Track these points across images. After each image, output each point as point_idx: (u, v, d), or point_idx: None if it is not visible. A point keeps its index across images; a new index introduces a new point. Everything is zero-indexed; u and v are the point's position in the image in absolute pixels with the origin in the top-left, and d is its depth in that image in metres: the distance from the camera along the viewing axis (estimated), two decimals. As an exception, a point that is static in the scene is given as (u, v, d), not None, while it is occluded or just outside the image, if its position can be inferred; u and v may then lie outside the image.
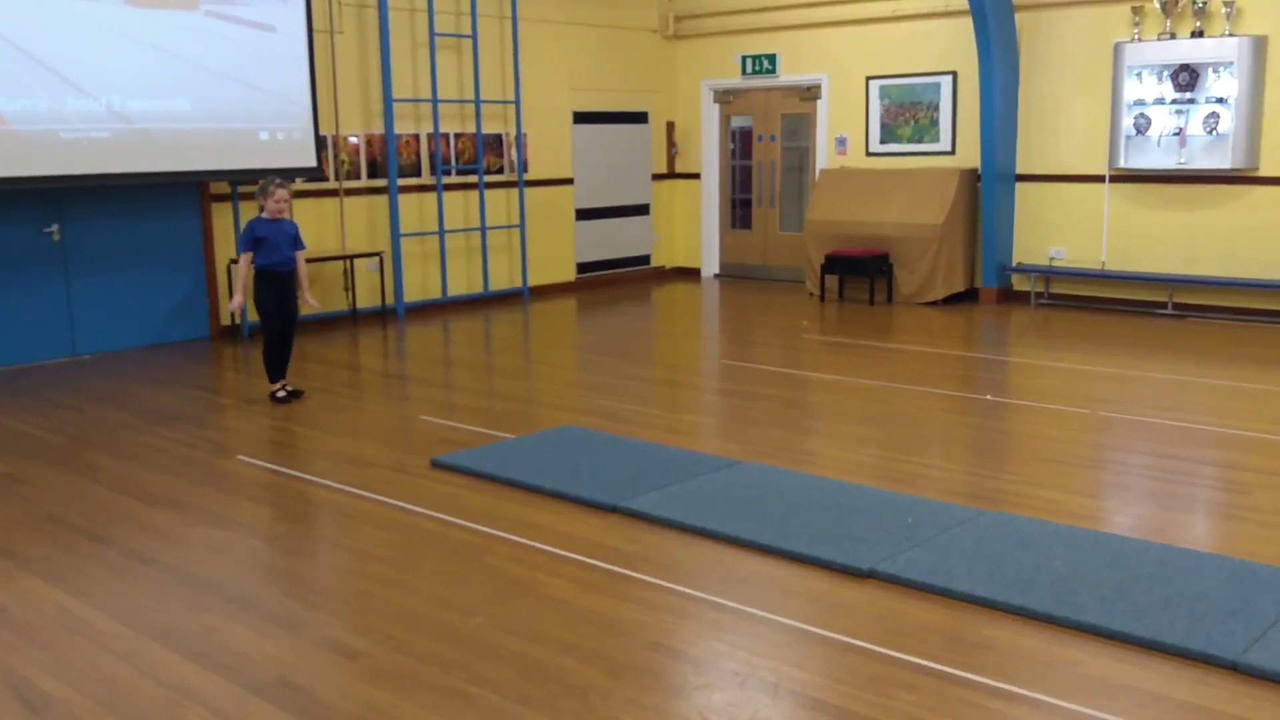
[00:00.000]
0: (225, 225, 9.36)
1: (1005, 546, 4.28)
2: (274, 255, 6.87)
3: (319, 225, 9.84)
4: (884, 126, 11.41)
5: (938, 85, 10.99)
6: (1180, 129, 9.53)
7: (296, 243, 7.03)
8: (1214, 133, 9.37)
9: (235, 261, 9.29)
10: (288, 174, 8.67)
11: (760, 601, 3.92)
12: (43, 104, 7.96)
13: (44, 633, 3.80)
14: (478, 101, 10.81)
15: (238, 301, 7.05)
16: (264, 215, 6.89)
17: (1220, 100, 9.31)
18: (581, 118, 11.99)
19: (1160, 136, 9.65)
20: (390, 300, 10.40)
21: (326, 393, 7.33)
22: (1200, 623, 3.59)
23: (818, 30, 11.69)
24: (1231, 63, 9.17)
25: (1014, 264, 10.69)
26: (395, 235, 10.33)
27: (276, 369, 7.07)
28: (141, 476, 5.56)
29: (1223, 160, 9.32)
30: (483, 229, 11.05)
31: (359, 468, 5.63)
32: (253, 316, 9.38)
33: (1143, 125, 9.71)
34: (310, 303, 7.29)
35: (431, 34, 10.38)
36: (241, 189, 9.29)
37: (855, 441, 6.06)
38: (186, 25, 8.63)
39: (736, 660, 3.49)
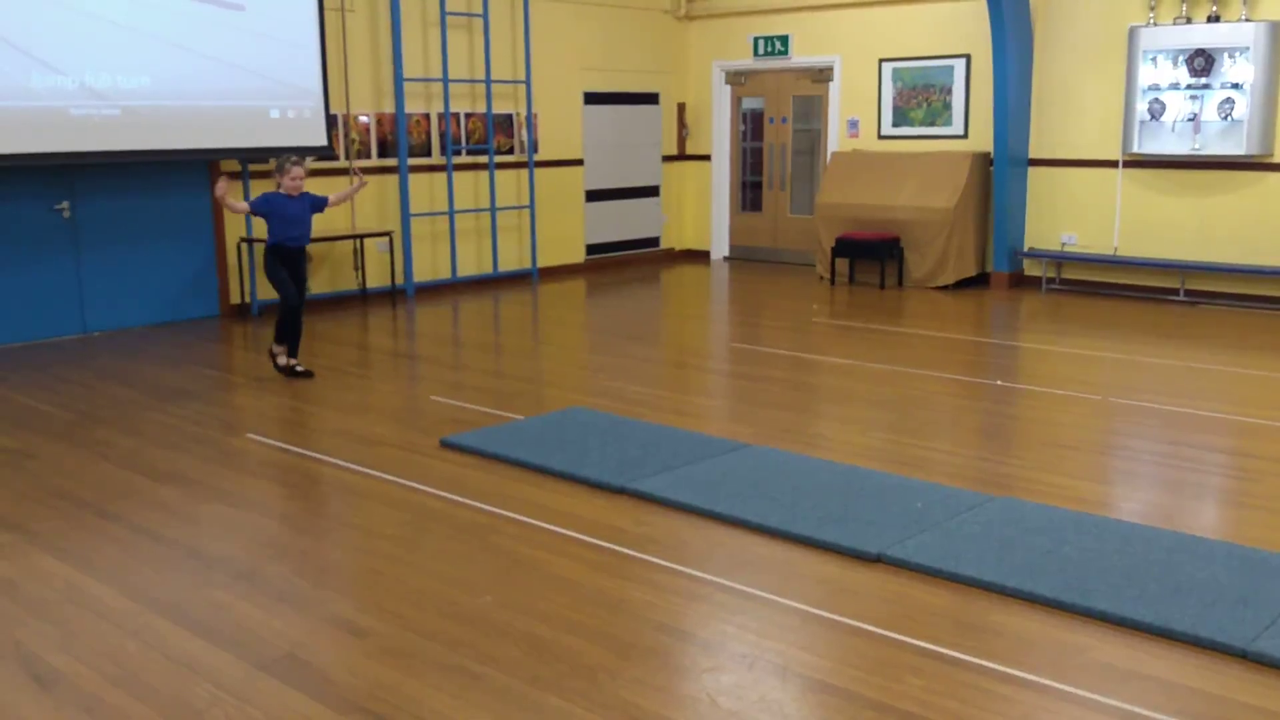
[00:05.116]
0: (235, 203, 9.36)
1: (1014, 532, 4.26)
2: (288, 231, 6.90)
3: (329, 204, 9.83)
4: (896, 109, 11.35)
5: (951, 68, 10.93)
6: (1195, 114, 9.47)
7: (318, 205, 7.06)
8: (1229, 118, 9.30)
9: (246, 238, 9.32)
10: (298, 152, 8.65)
11: (768, 584, 3.91)
12: (54, 89, 7.96)
13: (52, 607, 3.81)
14: (488, 81, 10.78)
15: (224, 189, 6.79)
16: (280, 192, 6.89)
17: (1236, 86, 9.24)
18: (592, 98, 11.95)
19: (1175, 122, 9.58)
20: (400, 280, 10.40)
21: (336, 372, 7.33)
22: (1210, 610, 3.57)
23: (830, 11, 11.62)
24: (1248, 48, 9.09)
25: (1026, 249, 10.65)
26: (405, 215, 10.32)
27: (287, 333, 7.06)
28: (150, 453, 5.56)
29: (1237, 146, 9.26)
30: (492, 209, 11.03)
31: (368, 446, 5.63)
32: (256, 286, 9.40)
33: (1157, 110, 9.65)
34: (356, 180, 7.44)
35: (443, 13, 10.34)
36: (252, 167, 9.28)
37: (864, 425, 6.04)
38: (195, 4, 8.61)
39: (745, 643, 3.49)
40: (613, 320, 9.79)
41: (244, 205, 7.25)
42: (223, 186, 6.78)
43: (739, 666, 3.34)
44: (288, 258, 6.96)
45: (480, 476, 5.14)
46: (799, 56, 11.96)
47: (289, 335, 7.08)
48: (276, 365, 7.07)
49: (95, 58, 8.15)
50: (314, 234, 7.47)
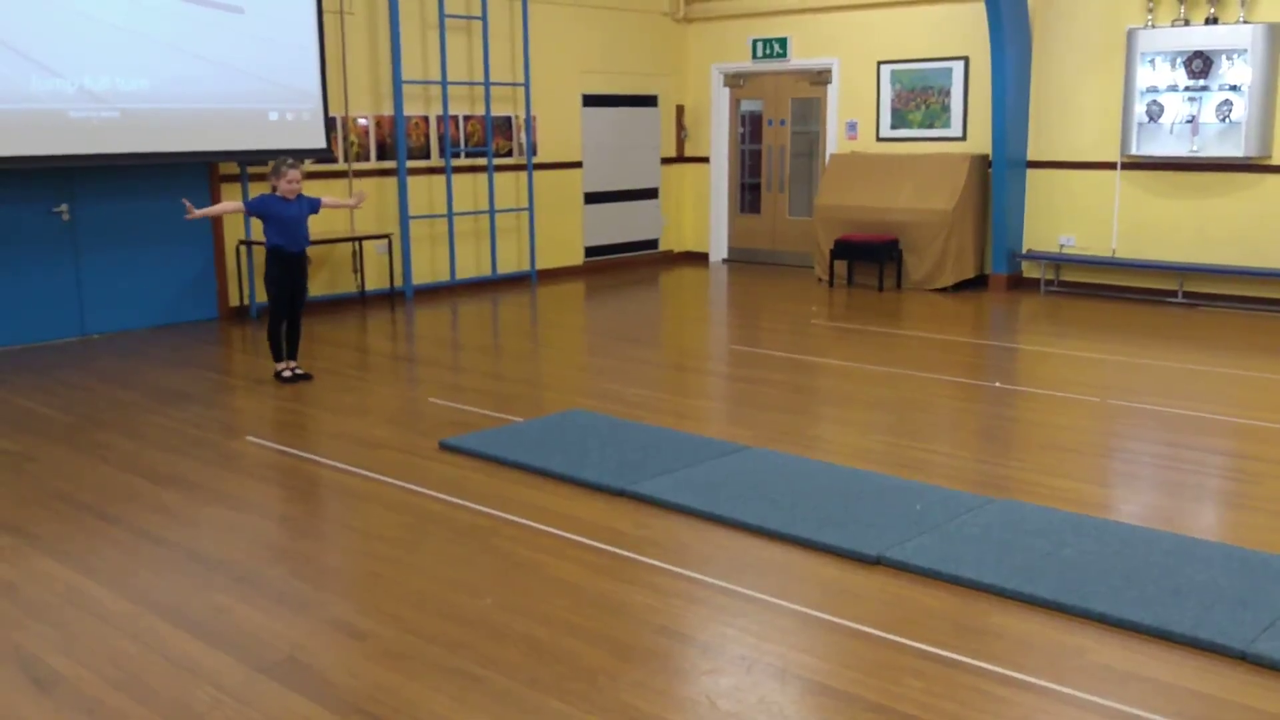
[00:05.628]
0: (234, 205, 9.36)
1: (1013, 534, 4.27)
2: (285, 236, 6.87)
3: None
4: (895, 111, 11.36)
5: (949, 70, 10.94)
6: (1193, 116, 9.48)
7: (314, 207, 7.03)
8: (1227, 120, 9.31)
9: (245, 241, 9.32)
10: (297, 155, 8.65)
11: (768, 587, 3.92)
12: (50, 90, 7.96)
13: (53, 610, 3.82)
14: (487, 84, 10.79)
15: (191, 206, 6.78)
16: (276, 195, 6.89)
17: (1234, 88, 9.25)
18: (591, 101, 11.96)
19: (1173, 124, 9.60)
20: (399, 282, 10.40)
21: (335, 374, 7.33)
22: (1209, 612, 3.58)
23: (829, 14, 11.63)
24: (1245, 50, 9.11)
25: (1024, 251, 10.65)
26: (404, 217, 10.32)
27: (282, 349, 7.07)
28: (150, 456, 5.57)
29: (1235, 148, 9.27)
30: (491, 212, 11.03)
31: (367, 449, 5.63)
32: (251, 297, 9.40)
33: (1155, 112, 9.66)
34: (357, 196, 7.43)
35: (441, 15, 10.35)
36: (250, 170, 9.28)
37: (864, 427, 6.05)
38: (193, 7, 8.61)
39: (744, 645, 3.49)
40: (612, 322, 9.79)
41: (234, 205, 7.37)
42: (189, 208, 6.77)
43: (738, 669, 3.34)
44: (288, 263, 6.95)
45: (480, 479, 5.14)
46: (797, 59, 11.97)
47: (284, 348, 7.07)
48: (282, 379, 7.06)
49: (94, 60, 8.15)
50: (313, 236, 7.47)
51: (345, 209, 7.56)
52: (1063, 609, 3.67)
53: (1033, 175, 10.56)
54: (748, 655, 3.42)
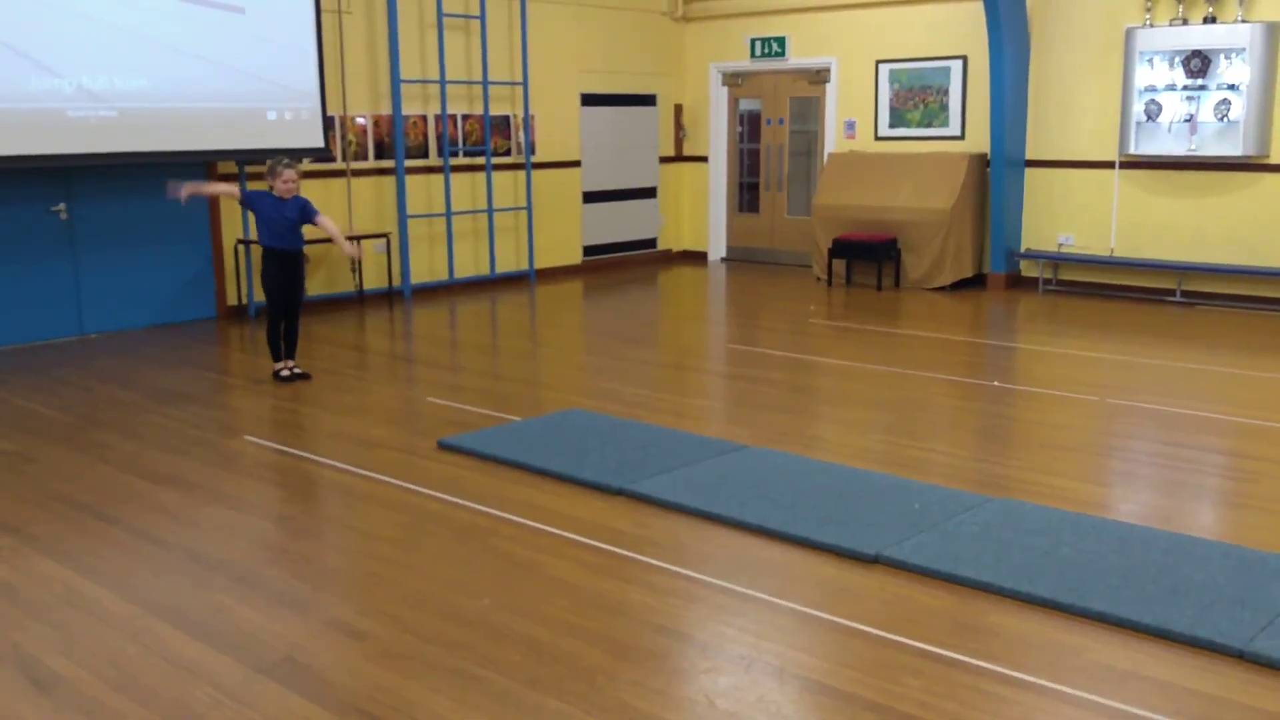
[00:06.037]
0: (232, 205, 9.31)
1: (1012, 533, 4.27)
2: (272, 234, 6.87)
3: (326, 206, 9.72)
4: (893, 110, 11.37)
5: (948, 69, 10.94)
6: (1191, 115, 9.48)
7: (306, 215, 6.91)
8: (1225, 119, 9.32)
9: (243, 240, 9.32)
10: (295, 154, 8.64)
11: (766, 586, 3.92)
12: (50, 89, 7.96)
13: (52, 610, 3.81)
14: (485, 83, 10.78)
15: (176, 187, 6.76)
16: (273, 193, 6.88)
17: (1232, 87, 9.25)
18: (589, 100, 11.95)
19: (1171, 123, 9.60)
20: (397, 282, 10.40)
21: (333, 374, 7.33)
22: (1207, 610, 3.58)
23: (827, 13, 11.64)
24: (1244, 49, 9.11)
25: (1022, 250, 10.66)
26: (402, 217, 10.32)
27: (279, 348, 7.07)
28: (149, 456, 5.56)
29: (1234, 147, 9.27)
30: (490, 211, 11.03)
31: (366, 449, 5.63)
32: (244, 300, 9.38)
33: (1153, 111, 9.66)
34: (348, 251, 7.39)
35: (440, 15, 10.34)
36: (248, 169, 9.28)
37: (862, 426, 6.05)
38: (192, 6, 8.60)
39: (743, 644, 3.50)
40: (610, 322, 9.79)
41: (232, 189, 7.31)
42: (179, 194, 6.72)
43: (737, 668, 3.35)
44: (281, 261, 6.93)
45: (478, 478, 5.14)
46: (796, 58, 11.97)
47: (281, 347, 7.07)
48: (280, 378, 7.06)
49: (93, 60, 8.14)
50: (311, 236, 7.45)
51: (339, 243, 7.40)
52: (1061, 608, 3.68)
53: (1031, 174, 10.56)
54: (746, 654, 3.43)
